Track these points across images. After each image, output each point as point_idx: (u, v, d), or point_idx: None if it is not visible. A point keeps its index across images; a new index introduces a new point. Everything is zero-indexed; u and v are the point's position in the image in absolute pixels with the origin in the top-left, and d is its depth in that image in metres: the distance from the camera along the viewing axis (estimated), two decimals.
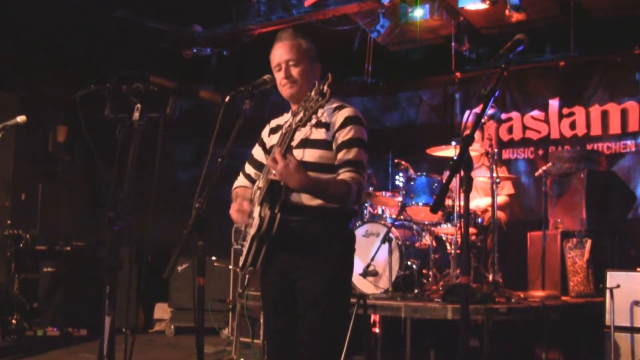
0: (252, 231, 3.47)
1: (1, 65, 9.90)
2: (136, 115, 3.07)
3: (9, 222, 9.54)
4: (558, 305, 6.69)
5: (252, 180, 3.92)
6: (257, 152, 3.94)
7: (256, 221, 3.43)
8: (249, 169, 3.96)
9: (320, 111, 3.31)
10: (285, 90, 3.64)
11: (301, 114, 3.17)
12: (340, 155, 3.52)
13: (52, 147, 10.34)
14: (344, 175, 3.49)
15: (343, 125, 3.54)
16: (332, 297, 3.53)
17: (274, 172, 3.28)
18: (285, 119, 3.80)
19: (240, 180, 4.00)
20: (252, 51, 9.16)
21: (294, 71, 3.62)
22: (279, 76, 3.64)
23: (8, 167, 10.13)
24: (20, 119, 5.36)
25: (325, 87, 3.09)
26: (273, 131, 3.85)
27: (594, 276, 7.47)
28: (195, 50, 10.08)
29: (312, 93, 3.15)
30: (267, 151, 3.82)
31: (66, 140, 10.37)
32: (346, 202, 3.52)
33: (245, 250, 3.56)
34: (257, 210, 3.48)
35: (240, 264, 3.62)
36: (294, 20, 9.31)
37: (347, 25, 9.41)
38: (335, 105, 3.63)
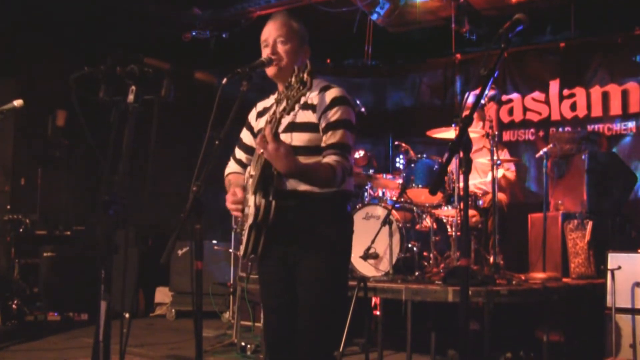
0: (249, 220, 3.45)
1: None
2: (131, 97, 3.04)
3: (8, 207, 9.55)
4: (559, 287, 6.68)
5: (244, 165, 3.88)
6: (246, 136, 3.88)
7: (252, 210, 3.41)
8: (239, 153, 3.91)
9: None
10: (270, 68, 3.58)
11: (284, 103, 3.09)
12: (325, 138, 3.46)
13: (52, 131, 10.31)
14: (329, 159, 3.42)
15: (329, 106, 3.46)
16: (331, 279, 3.51)
17: (261, 150, 3.23)
18: (272, 101, 3.74)
19: (232, 167, 3.94)
20: (251, 34, 9.11)
21: (281, 49, 3.56)
22: (265, 53, 3.58)
23: (7, 152, 10.14)
24: (17, 103, 5.32)
25: (306, 76, 3.01)
26: (260, 114, 3.79)
27: (595, 258, 7.47)
28: (194, 33, 10.04)
29: (293, 80, 3.04)
30: (255, 135, 3.79)
31: (65, 125, 10.35)
32: (330, 186, 3.45)
33: (244, 238, 3.54)
34: (251, 199, 3.45)
35: (241, 253, 3.60)
36: (294, 2, 9.27)
37: (347, 7, 9.37)
38: (321, 85, 3.56)
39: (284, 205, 3.39)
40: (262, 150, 3.21)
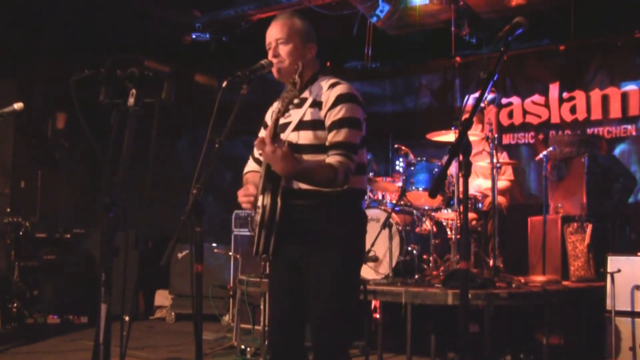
0: (257, 219, 3.46)
1: None
2: (131, 100, 3.03)
3: (8, 209, 9.53)
4: (559, 290, 6.68)
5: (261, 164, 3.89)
6: None
7: (260, 209, 3.42)
8: (257, 152, 3.88)
9: (315, 91, 3.34)
10: (274, 70, 3.59)
11: (279, 105, 3.17)
12: (330, 137, 3.45)
13: (52, 133, 10.31)
14: (332, 159, 3.40)
15: (334, 104, 3.45)
16: (342, 281, 3.49)
17: (259, 151, 3.25)
18: None
19: (251, 165, 3.94)
20: (251, 36, 9.13)
21: (282, 50, 3.56)
22: (269, 56, 3.58)
23: (7, 154, 10.13)
24: (17, 105, 5.31)
25: (296, 78, 3.09)
26: None
27: (594, 261, 7.46)
28: (194, 36, 10.05)
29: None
30: None
31: (65, 127, 10.34)
32: (332, 186, 3.42)
33: (255, 238, 3.54)
34: (260, 199, 3.46)
35: (254, 252, 3.60)
36: (293, 5, 9.27)
37: (347, 10, 9.36)
38: (330, 82, 3.56)
39: (291, 205, 3.40)
40: (260, 152, 3.22)
